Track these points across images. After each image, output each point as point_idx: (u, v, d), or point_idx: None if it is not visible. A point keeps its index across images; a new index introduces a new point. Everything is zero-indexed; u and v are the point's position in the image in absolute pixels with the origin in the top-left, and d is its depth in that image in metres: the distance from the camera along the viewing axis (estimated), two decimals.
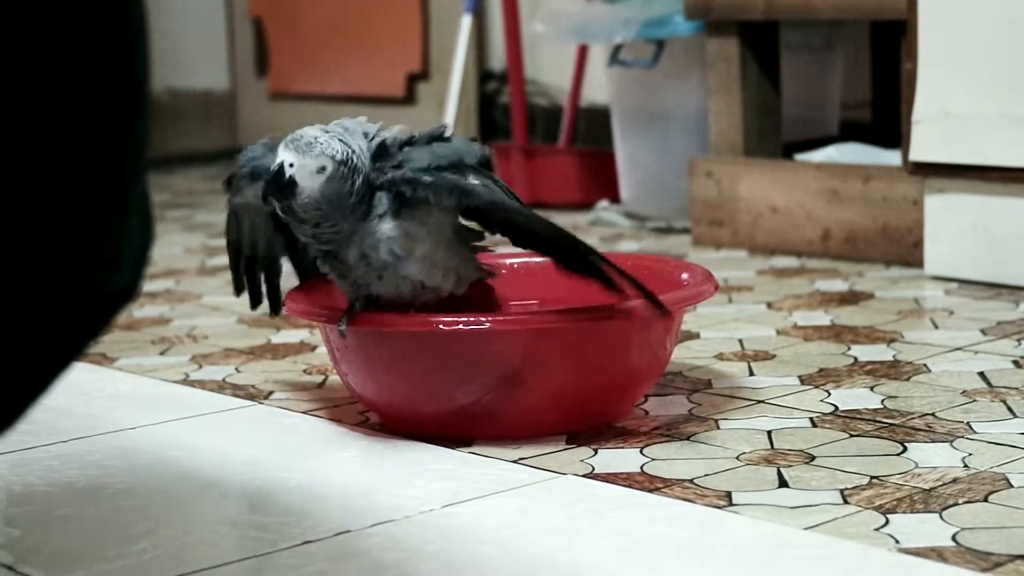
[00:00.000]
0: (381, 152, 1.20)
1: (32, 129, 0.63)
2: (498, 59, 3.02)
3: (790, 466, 1.13)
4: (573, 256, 1.19)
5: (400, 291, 1.22)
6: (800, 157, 2.13)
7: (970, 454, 1.15)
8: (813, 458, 1.15)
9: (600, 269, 1.17)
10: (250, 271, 1.35)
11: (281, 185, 1.16)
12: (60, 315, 0.66)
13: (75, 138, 0.64)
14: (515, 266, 1.43)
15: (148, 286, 1.97)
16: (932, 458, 1.14)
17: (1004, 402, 1.28)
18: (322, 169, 1.16)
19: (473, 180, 1.20)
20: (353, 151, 1.18)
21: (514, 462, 1.17)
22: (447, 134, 1.24)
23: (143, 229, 0.69)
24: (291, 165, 1.16)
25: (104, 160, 0.65)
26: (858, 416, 1.26)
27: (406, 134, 1.23)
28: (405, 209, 1.19)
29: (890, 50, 2.37)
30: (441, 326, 1.19)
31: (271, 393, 1.42)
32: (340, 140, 1.18)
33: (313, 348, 1.60)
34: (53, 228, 0.64)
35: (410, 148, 1.21)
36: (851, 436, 1.21)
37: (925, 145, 1.81)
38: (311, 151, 1.16)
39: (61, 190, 0.64)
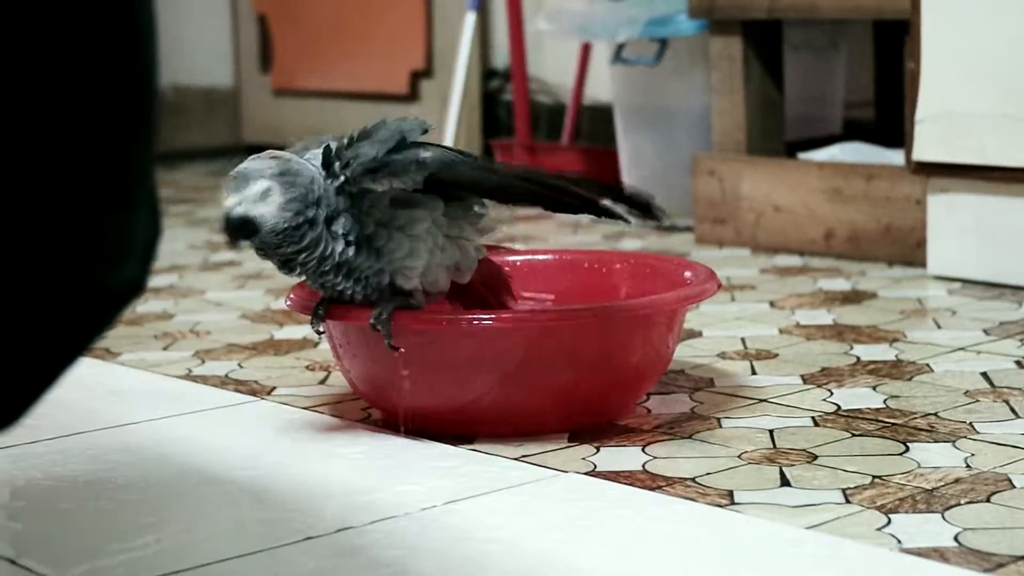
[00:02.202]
0: (327, 157, 1.18)
1: (39, 121, 0.63)
2: (502, 56, 3.02)
3: (792, 465, 1.14)
4: (552, 191, 1.17)
5: (370, 293, 1.20)
6: (803, 156, 2.13)
7: (972, 454, 1.15)
8: (815, 457, 1.15)
9: (586, 198, 1.16)
10: None
11: (236, 228, 1.14)
12: (66, 309, 0.66)
13: (82, 131, 0.64)
14: (518, 263, 1.43)
15: (151, 281, 1.97)
16: (934, 458, 1.14)
17: (1007, 402, 1.28)
18: (266, 191, 1.14)
19: (424, 153, 1.17)
20: (290, 159, 1.17)
21: (516, 460, 1.17)
22: (385, 122, 1.22)
23: (150, 223, 0.69)
24: (238, 204, 1.14)
25: (111, 153, 0.65)
26: (860, 416, 1.26)
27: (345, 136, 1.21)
28: (364, 207, 1.18)
29: (893, 49, 2.37)
30: (444, 323, 1.19)
31: (273, 389, 1.42)
32: (272, 157, 1.16)
33: (316, 344, 1.60)
34: (59, 221, 0.64)
35: (353, 146, 1.19)
36: (853, 436, 1.21)
37: (928, 145, 1.81)
38: (245, 183, 1.14)
39: (67, 183, 0.64)
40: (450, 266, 1.22)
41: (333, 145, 1.19)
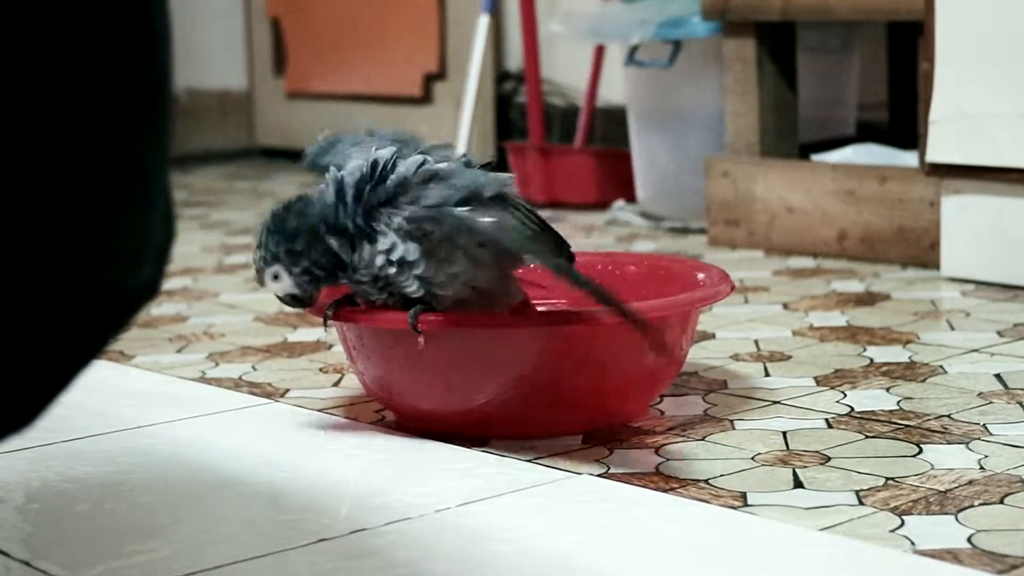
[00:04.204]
0: (398, 187, 1.19)
1: (54, 124, 0.63)
2: (515, 59, 3.03)
3: (805, 467, 1.14)
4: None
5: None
6: (816, 158, 2.13)
7: (986, 456, 1.15)
8: (828, 459, 1.15)
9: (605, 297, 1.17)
10: None
11: (289, 304, 1.24)
12: (81, 312, 0.66)
13: (97, 134, 0.64)
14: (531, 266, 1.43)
15: (165, 284, 1.97)
16: (948, 460, 1.14)
17: (1020, 404, 1.28)
18: (276, 276, 1.21)
19: (485, 217, 1.17)
20: (293, 227, 1.20)
21: (529, 461, 1.17)
22: (469, 160, 1.23)
23: (165, 226, 0.69)
24: (277, 292, 1.23)
25: (125, 156, 0.65)
26: (874, 417, 1.26)
27: (432, 163, 1.21)
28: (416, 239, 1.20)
29: (907, 51, 2.37)
30: (458, 325, 1.19)
31: (287, 391, 1.42)
32: (271, 231, 1.21)
33: (329, 346, 1.60)
34: (73, 223, 0.64)
35: (429, 184, 1.19)
36: (867, 437, 1.21)
37: (942, 146, 1.81)
38: (264, 277, 1.22)
39: (81, 186, 0.64)
40: (481, 289, 1.23)
41: (407, 173, 1.19)
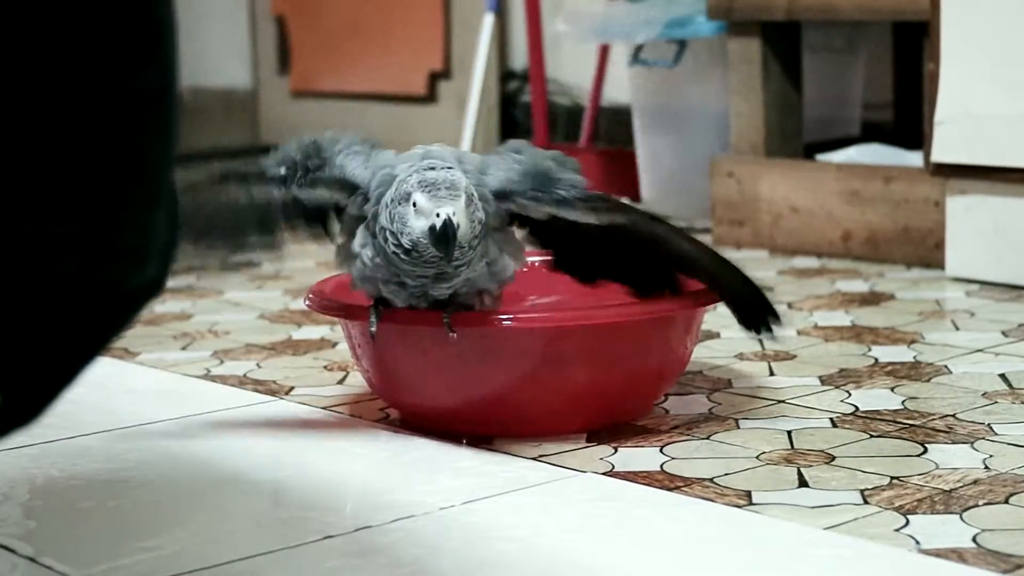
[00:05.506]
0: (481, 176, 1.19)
1: (59, 122, 0.63)
2: (520, 58, 3.02)
3: (810, 466, 1.14)
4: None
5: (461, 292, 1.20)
6: (821, 158, 2.13)
7: (991, 455, 1.14)
8: (833, 458, 1.15)
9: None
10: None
11: (449, 239, 1.12)
12: (86, 308, 0.66)
13: (101, 132, 0.64)
14: (536, 264, 1.43)
15: (170, 282, 1.97)
16: (952, 459, 1.14)
17: None
18: (470, 200, 1.14)
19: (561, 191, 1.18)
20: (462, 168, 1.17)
21: (534, 460, 1.17)
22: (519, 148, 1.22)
23: (170, 224, 0.70)
24: (454, 214, 1.12)
25: (130, 154, 0.65)
26: (878, 417, 1.26)
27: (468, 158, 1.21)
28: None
29: (912, 51, 2.37)
30: (463, 322, 1.19)
31: (292, 389, 1.42)
32: (451, 167, 1.16)
33: (334, 344, 1.60)
34: (77, 221, 0.64)
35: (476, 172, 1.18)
36: (871, 437, 1.21)
37: (947, 146, 1.81)
38: (456, 192, 1.13)
39: (86, 184, 0.64)
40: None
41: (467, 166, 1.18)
